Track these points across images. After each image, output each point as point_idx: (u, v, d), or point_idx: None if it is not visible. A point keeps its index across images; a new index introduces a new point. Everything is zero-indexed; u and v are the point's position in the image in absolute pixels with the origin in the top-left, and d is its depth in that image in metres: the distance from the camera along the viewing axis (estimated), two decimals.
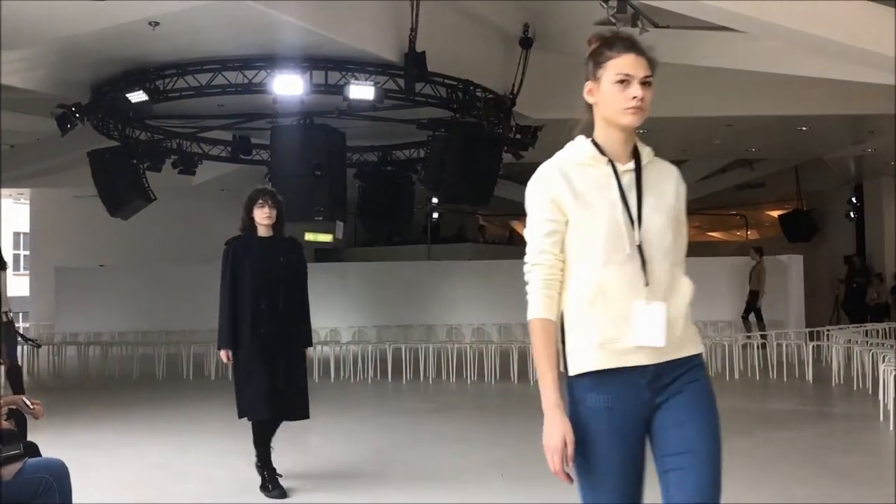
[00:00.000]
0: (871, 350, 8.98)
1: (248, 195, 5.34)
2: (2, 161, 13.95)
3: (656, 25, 9.20)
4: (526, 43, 11.21)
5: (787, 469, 5.79)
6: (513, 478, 5.65)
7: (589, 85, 2.37)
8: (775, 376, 10.57)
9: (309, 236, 13.85)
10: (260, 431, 5.29)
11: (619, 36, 2.37)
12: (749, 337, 12.03)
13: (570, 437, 2.20)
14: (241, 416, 5.28)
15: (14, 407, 3.59)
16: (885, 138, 13.88)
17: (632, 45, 2.32)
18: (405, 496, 5.22)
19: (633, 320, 2.24)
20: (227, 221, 21.60)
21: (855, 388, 9.18)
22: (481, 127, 11.75)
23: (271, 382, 5.12)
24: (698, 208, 25.19)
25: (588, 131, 2.40)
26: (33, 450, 3.43)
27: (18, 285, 21.28)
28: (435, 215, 21.77)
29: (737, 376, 10.60)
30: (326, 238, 14.51)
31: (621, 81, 2.28)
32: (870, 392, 8.53)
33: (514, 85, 11.44)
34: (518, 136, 12.35)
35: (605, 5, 8.48)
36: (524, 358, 10.73)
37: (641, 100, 2.29)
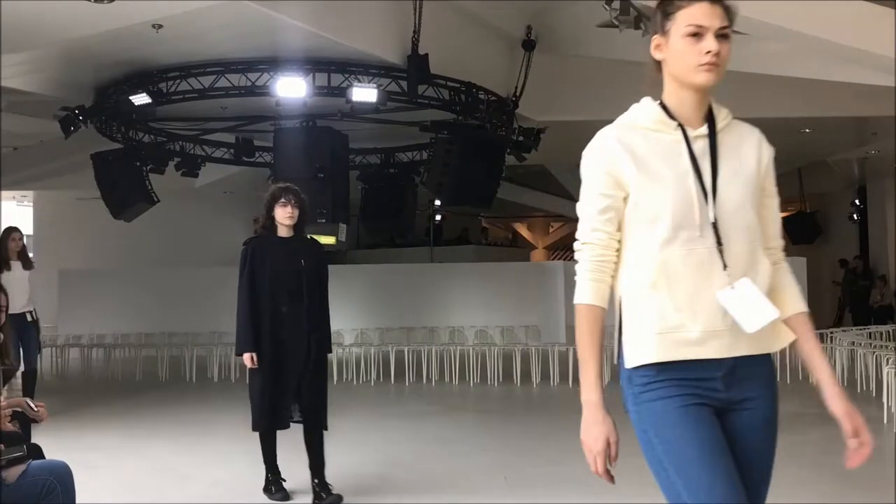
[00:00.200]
0: (874, 352, 8.96)
1: (269, 192, 5.03)
2: (5, 163, 13.99)
3: None
4: (529, 45, 11.22)
5: (790, 471, 5.77)
6: (516, 480, 5.64)
7: (656, 39, 2.12)
8: (779, 378, 10.53)
9: None
10: (270, 438, 5.16)
11: None
12: None
13: (614, 437, 2.01)
14: (256, 428, 5.07)
15: (18, 409, 3.59)
16: (888, 140, 13.86)
17: None
18: (407, 498, 5.22)
19: (728, 310, 1.97)
20: (229, 223, 21.87)
21: (858, 390, 9.16)
22: (484, 129, 11.76)
23: (289, 393, 4.93)
24: None
25: (656, 92, 2.14)
26: (37, 452, 3.43)
27: None
28: (438, 217, 21.78)
29: None
30: (329, 240, 14.47)
31: (693, 34, 2.02)
32: (873, 394, 8.51)
33: (516, 87, 11.44)
34: (521, 139, 12.35)
35: (607, 7, 8.47)
36: (527, 360, 10.73)
37: (717, 54, 2.01)
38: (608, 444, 2.01)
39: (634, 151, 2.04)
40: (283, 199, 4.95)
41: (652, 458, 2.04)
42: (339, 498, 5.00)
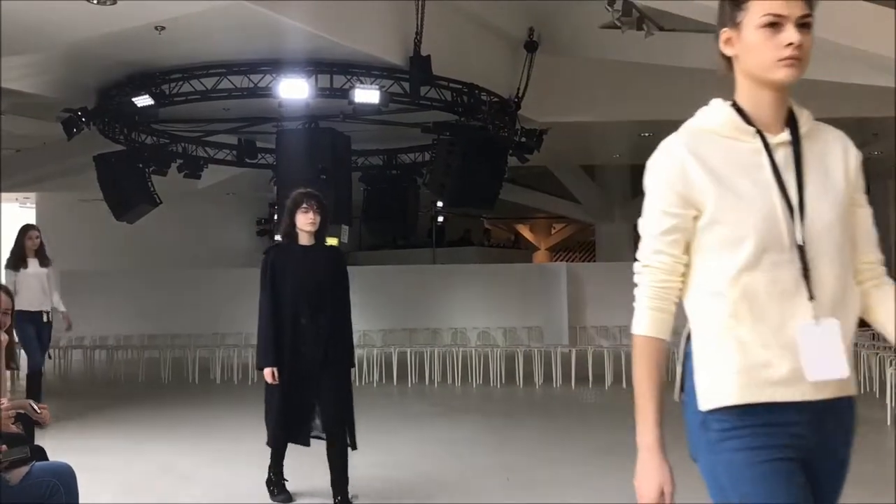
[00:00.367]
0: (877, 353, 8.95)
1: (291, 198, 4.81)
2: (8, 165, 14.01)
3: (661, 28, 9.22)
4: (531, 46, 11.24)
5: None
6: (518, 482, 5.64)
7: (726, 33, 1.84)
8: None
9: None
10: (281, 450, 5.02)
11: None
12: None
13: (670, 487, 1.80)
14: (272, 444, 4.89)
15: (22, 411, 3.60)
16: (889, 141, 13.85)
17: None
18: (409, 499, 5.22)
19: (800, 346, 1.73)
20: (232, 225, 21.86)
21: (861, 391, 9.15)
22: (486, 130, 11.76)
23: (308, 407, 4.73)
24: None
25: (727, 93, 1.89)
26: (40, 453, 3.44)
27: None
28: (440, 219, 21.80)
29: None
30: (332, 242, 14.51)
31: (771, 24, 1.75)
32: (877, 395, 8.51)
33: (519, 88, 11.45)
34: (523, 140, 12.35)
35: (610, 9, 8.48)
36: (529, 362, 10.73)
37: (799, 46, 1.74)
38: (662, 493, 1.81)
39: (708, 163, 1.79)
40: (304, 205, 4.75)
41: None
42: None
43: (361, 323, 14.48)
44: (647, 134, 14.37)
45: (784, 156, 1.81)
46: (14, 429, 3.37)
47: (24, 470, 3.13)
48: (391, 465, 6.24)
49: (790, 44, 1.74)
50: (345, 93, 9.87)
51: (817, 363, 1.73)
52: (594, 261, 23.85)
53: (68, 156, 13.67)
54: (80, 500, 3.32)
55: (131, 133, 12.32)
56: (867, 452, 6.65)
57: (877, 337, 11.50)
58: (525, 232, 29.91)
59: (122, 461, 6.47)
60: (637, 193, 21.87)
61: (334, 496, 4.81)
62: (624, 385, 10.12)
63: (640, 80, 11.87)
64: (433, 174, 12.18)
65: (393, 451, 6.78)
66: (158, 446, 7.04)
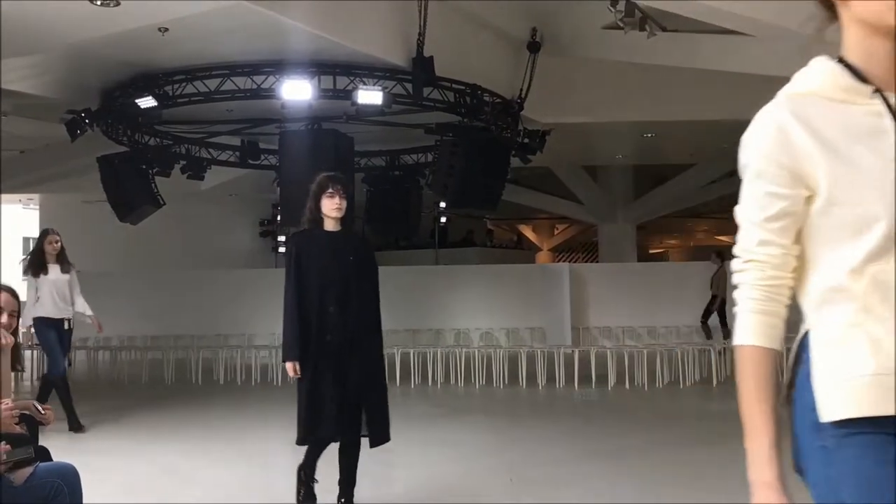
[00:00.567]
0: None
1: (316, 182, 4.56)
2: (11, 166, 14.04)
3: (664, 29, 9.21)
4: (534, 47, 11.25)
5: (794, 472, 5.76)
6: (521, 482, 5.64)
7: None
8: (780, 379, 10.51)
9: None
10: (318, 450, 4.67)
11: None
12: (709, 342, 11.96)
13: None
14: (301, 442, 4.54)
15: (26, 411, 3.60)
16: None
17: None
18: (413, 500, 5.22)
19: None
20: (235, 226, 21.83)
21: None
22: (489, 131, 11.77)
23: (340, 399, 4.42)
24: (707, 212, 25.17)
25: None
26: (44, 454, 3.44)
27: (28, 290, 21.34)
28: (443, 220, 21.81)
29: None
30: None
31: None
32: None
33: (521, 89, 11.46)
34: (526, 141, 12.36)
35: (612, 9, 8.49)
36: (532, 362, 10.72)
37: None
38: None
39: (820, 132, 1.49)
40: (330, 190, 4.51)
41: None
42: None
43: None
44: (649, 135, 14.37)
45: None
46: (18, 429, 3.37)
47: (28, 470, 3.14)
48: (393, 464, 6.24)
49: None
50: (348, 94, 9.88)
51: None
52: (597, 261, 23.85)
53: (72, 157, 13.70)
54: (84, 501, 3.33)
55: (134, 134, 12.34)
56: None
57: None
58: (528, 232, 29.91)
59: (126, 462, 6.47)
60: (639, 194, 21.82)
61: (339, 497, 4.69)
62: (626, 386, 10.13)
63: (642, 81, 11.88)
64: (436, 175, 12.19)
65: (396, 452, 6.77)
66: (161, 447, 7.04)
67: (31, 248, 7.94)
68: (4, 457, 3.04)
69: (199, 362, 11.56)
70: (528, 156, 12.66)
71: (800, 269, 1.57)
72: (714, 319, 12.91)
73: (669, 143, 15.67)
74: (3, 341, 3.45)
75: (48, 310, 7.61)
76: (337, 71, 10.07)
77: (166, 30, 8.63)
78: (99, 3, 7.53)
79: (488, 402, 9.82)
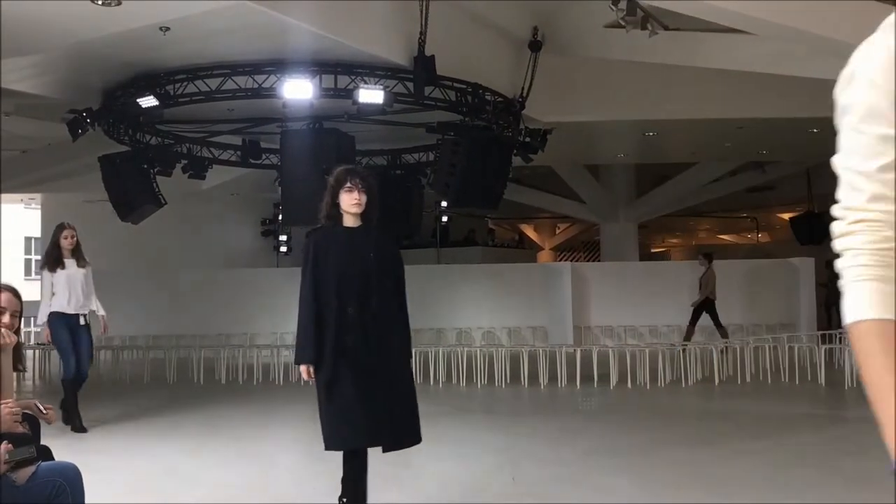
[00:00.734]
0: None
1: (333, 176, 4.35)
2: (13, 166, 14.05)
3: (666, 28, 9.21)
4: (535, 46, 11.24)
5: (800, 472, 5.76)
6: (523, 481, 5.64)
7: None
8: (787, 380, 10.53)
9: None
10: (352, 464, 4.33)
11: None
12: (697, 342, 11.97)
13: None
14: (328, 447, 4.24)
15: (28, 411, 3.61)
16: None
17: None
18: (415, 499, 5.22)
19: None
20: (236, 225, 21.82)
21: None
22: (491, 130, 11.76)
23: (363, 404, 4.16)
24: (709, 210, 25.16)
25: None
26: (46, 453, 3.45)
27: (30, 290, 21.37)
28: (444, 219, 21.81)
29: (748, 379, 10.56)
30: None
31: None
32: None
33: (523, 88, 11.45)
34: (527, 140, 12.35)
35: (614, 8, 8.48)
36: (534, 361, 10.72)
37: None
38: None
39: None
40: (349, 184, 4.30)
41: None
42: None
43: None
44: (651, 133, 14.36)
45: None
46: (20, 429, 3.38)
47: (30, 470, 3.14)
48: (395, 463, 6.23)
49: None
50: (349, 93, 9.87)
51: None
52: (599, 260, 23.85)
53: (73, 157, 13.71)
54: (86, 500, 3.33)
55: (136, 134, 12.34)
56: (874, 453, 6.64)
57: None
58: (529, 232, 29.91)
59: (128, 461, 6.48)
60: (641, 193, 21.80)
61: (340, 497, 4.48)
62: (628, 385, 10.13)
63: (644, 80, 11.87)
64: (437, 174, 12.18)
65: (397, 451, 6.77)
66: (163, 446, 7.05)
67: (48, 244, 7.84)
68: (6, 456, 3.03)
69: (201, 362, 11.56)
70: (530, 155, 12.65)
71: None
72: (705, 320, 12.92)
73: (671, 142, 15.67)
74: (5, 341, 3.45)
75: (63, 304, 7.57)
76: (338, 70, 10.06)
77: (168, 29, 8.63)
78: (100, 2, 7.52)
79: (490, 401, 9.82)
